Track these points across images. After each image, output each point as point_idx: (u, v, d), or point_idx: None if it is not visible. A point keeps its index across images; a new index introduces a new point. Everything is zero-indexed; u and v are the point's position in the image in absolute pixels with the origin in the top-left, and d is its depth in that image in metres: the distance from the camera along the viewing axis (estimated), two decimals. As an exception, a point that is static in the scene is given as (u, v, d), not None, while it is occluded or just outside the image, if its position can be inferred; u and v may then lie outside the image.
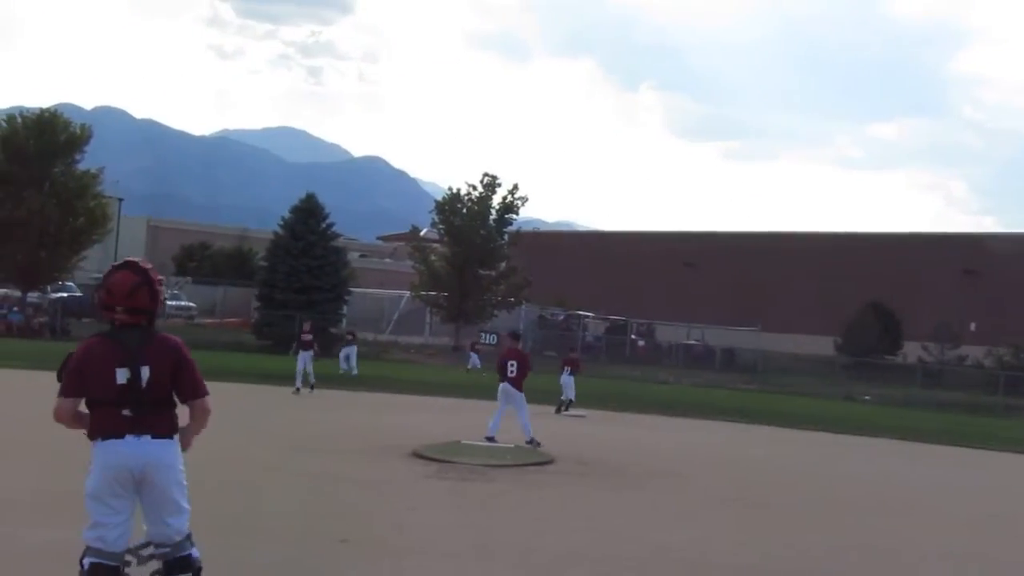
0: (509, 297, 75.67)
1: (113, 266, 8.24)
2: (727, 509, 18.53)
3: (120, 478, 7.81)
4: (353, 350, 50.74)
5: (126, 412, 7.76)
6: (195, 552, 8.06)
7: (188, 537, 8.02)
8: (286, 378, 40.60)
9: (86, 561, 7.91)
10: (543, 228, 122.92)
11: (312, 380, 37.85)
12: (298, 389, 37.58)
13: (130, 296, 7.89)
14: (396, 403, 36.75)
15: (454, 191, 75.80)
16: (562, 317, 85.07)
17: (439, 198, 77.35)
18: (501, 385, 25.49)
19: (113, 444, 7.80)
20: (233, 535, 13.24)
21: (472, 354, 61.89)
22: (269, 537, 13.21)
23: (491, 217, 75.42)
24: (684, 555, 14.15)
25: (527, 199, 76.50)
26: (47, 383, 30.96)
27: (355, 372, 48.69)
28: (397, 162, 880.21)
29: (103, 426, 7.85)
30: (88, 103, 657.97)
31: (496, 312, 76.21)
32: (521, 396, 25.48)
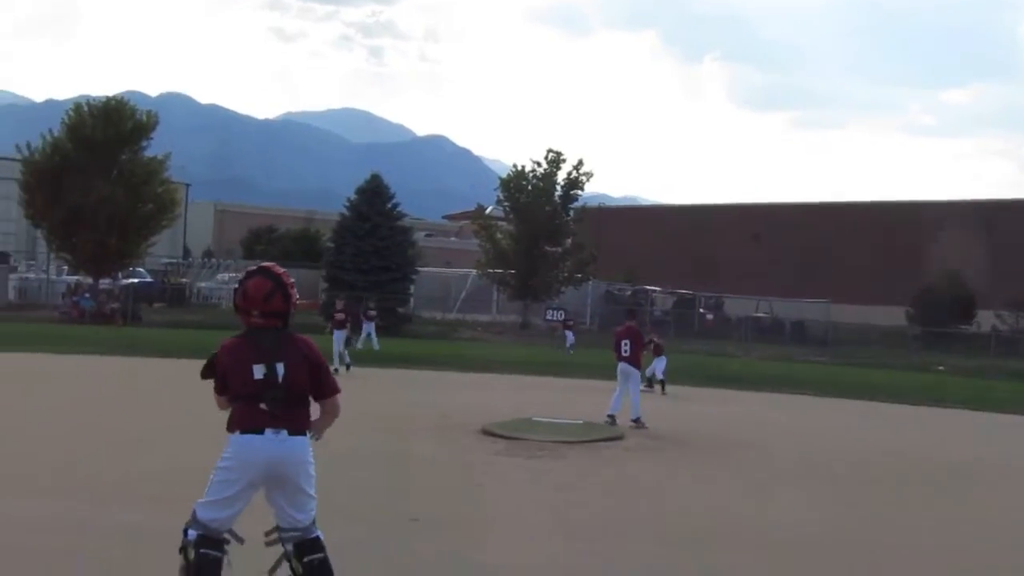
0: (576, 273, 75.55)
1: (248, 271, 8.59)
2: (797, 482, 18.45)
3: (252, 472, 8.16)
4: (372, 326, 50.65)
5: (263, 407, 8.06)
6: (321, 535, 8.40)
7: (314, 522, 8.38)
8: (357, 358, 40.80)
9: (191, 532, 8.24)
10: (608, 204, 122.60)
11: (347, 360, 37.22)
12: (336, 370, 37.10)
13: (265, 301, 8.28)
14: (464, 381, 36.79)
15: (518, 168, 75.72)
16: (629, 292, 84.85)
17: (503, 175, 77.27)
18: (619, 364, 25.46)
19: (252, 439, 8.12)
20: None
21: (568, 333, 60.75)
22: (340, 516, 13.25)
23: (556, 193, 75.32)
24: (753, 528, 14.12)
25: (592, 175, 76.42)
26: (121, 368, 31.32)
27: (359, 346, 48.80)
28: (461, 140, 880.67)
29: (243, 420, 8.17)
30: (153, 90, 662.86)
31: (563, 288, 76.14)
32: (637, 374, 25.49)
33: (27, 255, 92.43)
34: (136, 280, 75.55)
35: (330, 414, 8.58)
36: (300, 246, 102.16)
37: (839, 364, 58.23)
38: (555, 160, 75.06)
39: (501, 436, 21.16)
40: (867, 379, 45.82)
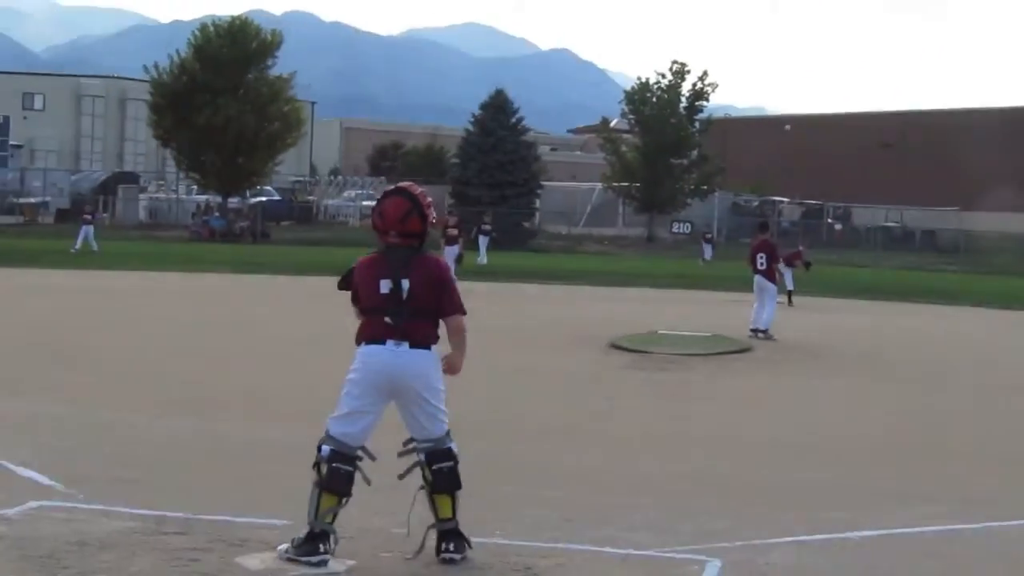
0: (701, 185, 75.10)
1: (385, 191, 8.80)
2: (928, 394, 18.25)
3: (377, 382, 8.39)
4: (486, 240, 50.74)
5: (388, 320, 8.28)
6: (455, 446, 8.55)
7: (447, 434, 8.53)
8: (478, 273, 40.96)
9: (325, 448, 8.43)
10: (734, 114, 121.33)
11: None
12: None
13: (402, 221, 8.40)
14: (590, 295, 36.81)
15: (643, 80, 75.22)
16: (756, 203, 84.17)
17: (628, 88, 76.77)
18: (755, 278, 25.27)
19: (375, 349, 8.35)
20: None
21: (705, 245, 60.53)
22: (471, 431, 13.33)
23: (681, 105, 74.75)
24: (884, 439, 14.00)
25: (717, 85, 75.82)
26: (251, 285, 31.75)
27: (484, 261, 48.88)
28: (585, 53, 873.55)
29: (368, 332, 8.42)
30: (277, 8, 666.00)
31: (689, 201, 75.75)
32: (773, 288, 25.27)
33: (156, 175, 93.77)
34: (264, 199, 76.29)
35: (455, 334, 8.72)
36: (425, 162, 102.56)
37: (971, 272, 57.35)
38: (679, 71, 74.50)
39: (628, 349, 21.14)
40: (1001, 288, 45.07)
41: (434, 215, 8.54)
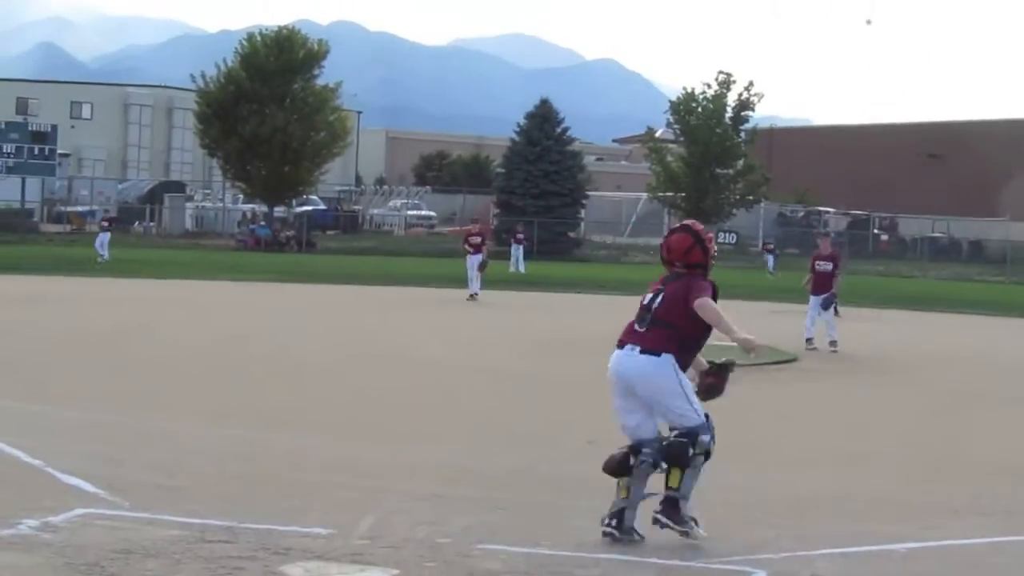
0: (747, 195, 74.86)
1: (671, 228, 10.14)
2: (976, 404, 18.12)
3: (616, 381, 9.44)
4: (520, 249, 50.80)
5: (636, 327, 9.41)
6: (705, 437, 9.36)
7: (702, 426, 9.39)
8: (520, 282, 41.02)
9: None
10: (780, 125, 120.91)
11: (473, 288, 35.19)
12: (471, 294, 35.25)
13: (686, 254, 9.55)
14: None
15: (688, 90, 75.05)
16: (802, 214, 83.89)
17: (674, 98, 76.62)
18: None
19: (616, 352, 9.45)
20: (480, 439, 13.46)
21: (768, 255, 59.24)
22: (515, 441, 13.36)
23: (727, 115, 74.52)
24: (930, 451, 13.92)
25: (763, 96, 75.46)
26: (297, 294, 31.83)
27: (522, 270, 48.92)
28: (630, 63, 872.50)
29: (620, 336, 9.54)
30: (324, 18, 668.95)
31: (734, 211, 75.54)
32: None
33: (203, 184, 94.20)
34: (310, 208, 76.59)
35: (706, 317, 9.31)
36: (470, 171, 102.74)
37: (1019, 283, 56.96)
38: (725, 82, 74.28)
39: (673, 359, 21.04)
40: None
41: (715, 249, 9.82)
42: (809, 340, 24.07)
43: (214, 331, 24.63)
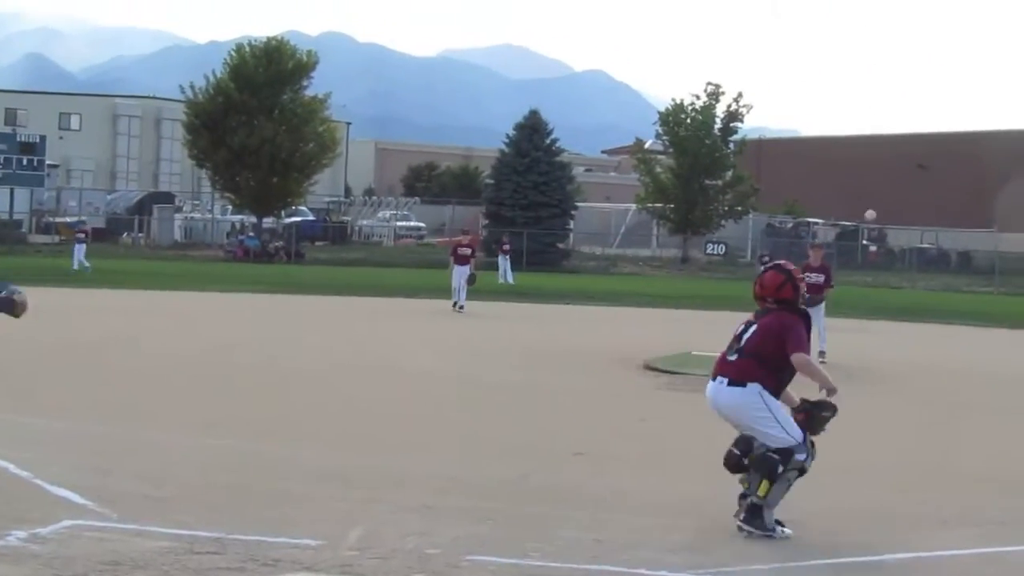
0: (736, 206, 74.93)
1: (765, 267, 10.95)
2: (965, 415, 18.15)
3: (714, 411, 10.36)
4: (507, 260, 50.87)
5: (729, 358, 10.25)
6: (799, 456, 9.94)
7: (798, 446, 9.98)
8: (510, 293, 41.04)
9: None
10: (768, 136, 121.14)
11: (459, 300, 34.65)
12: (458, 305, 34.62)
13: (777, 290, 10.32)
14: (624, 316, 36.79)
15: (677, 102, 75.14)
16: (791, 224, 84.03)
17: (662, 109, 76.72)
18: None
19: (709, 383, 10.36)
20: (469, 449, 13.45)
21: (761, 268, 58.69)
22: (505, 452, 13.35)
23: (716, 126, 74.61)
24: (921, 462, 13.93)
25: (751, 107, 75.54)
26: (287, 305, 31.71)
27: (511, 280, 48.94)
28: (619, 74, 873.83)
29: (714, 368, 10.47)
30: (313, 30, 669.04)
31: (723, 222, 75.59)
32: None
33: (192, 195, 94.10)
34: (299, 219, 76.59)
35: (802, 370, 10.08)
36: (459, 182, 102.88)
37: (1007, 295, 57.07)
38: (714, 93, 74.39)
39: (662, 370, 21.09)
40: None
41: (805, 287, 10.65)
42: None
43: (202, 341, 24.61)
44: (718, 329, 29.71)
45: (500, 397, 18.16)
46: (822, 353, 23.82)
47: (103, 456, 12.17)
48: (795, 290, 10.32)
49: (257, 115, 65.39)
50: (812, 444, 10.10)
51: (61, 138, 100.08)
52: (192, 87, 67.78)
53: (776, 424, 9.93)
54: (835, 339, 29.49)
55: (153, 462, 12.00)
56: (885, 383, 21.64)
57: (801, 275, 10.59)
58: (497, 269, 50.79)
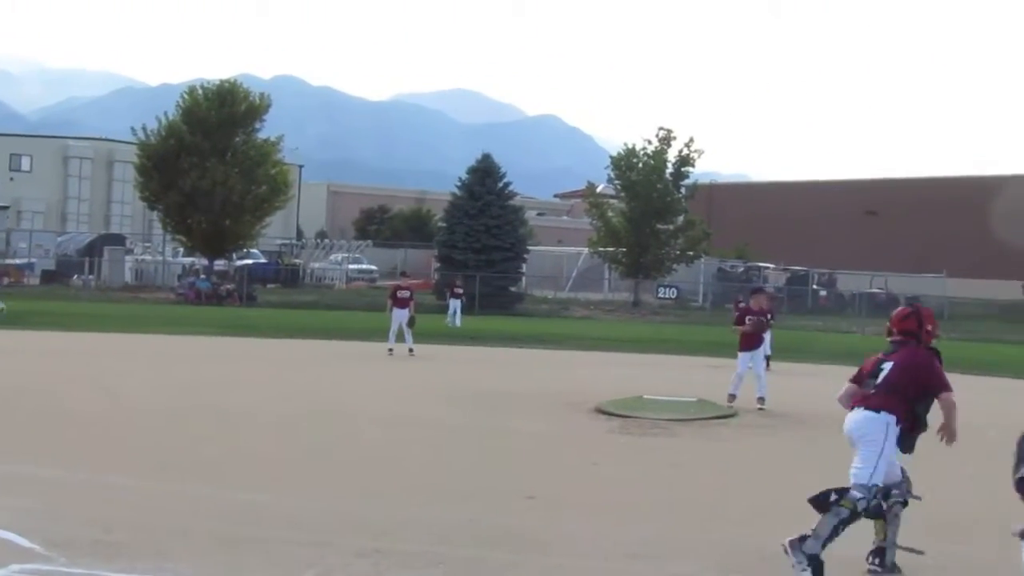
0: (688, 251, 75.14)
1: (900, 309, 11.77)
2: (915, 460, 18.21)
3: (847, 439, 10.98)
4: (458, 304, 50.84)
5: (865, 390, 10.95)
6: (856, 494, 10.49)
7: (862, 487, 10.54)
8: (462, 337, 41.02)
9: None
10: (719, 181, 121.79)
11: (409, 343, 34.55)
12: (390, 350, 34.55)
13: (901, 321, 11.29)
14: (576, 359, 36.81)
15: (629, 146, 75.41)
16: (742, 269, 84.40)
17: (614, 154, 76.97)
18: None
19: (848, 413, 11.01)
20: (420, 493, 13.42)
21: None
22: (455, 496, 13.34)
23: (667, 171, 74.85)
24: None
25: (703, 152, 75.84)
26: (239, 348, 31.54)
27: (458, 324, 48.83)
28: (571, 119, 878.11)
29: (852, 403, 11.11)
30: (266, 72, 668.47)
31: (675, 266, 75.81)
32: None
33: (143, 237, 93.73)
34: (251, 261, 76.35)
35: (945, 408, 10.79)
36: (412, 225, 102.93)
37: (956, 340, 57.48)
38: (665, 138, 74.61)
39: (614, 414, 21.12)
40: (985, 354, 45.14)
41: (935, 331, 11.58)
42: (732, 396, 23.83)
43: (153, 384, 24.46)
44: (669, 372, 29.91)
45: (451, 440, 18.14)
46: (761, 399, 23.70)
47: (51, 499, 12.08)
48: (919, 325, 11.25)
49: (209, 157, 65.18)
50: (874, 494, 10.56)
51: (12, 179, 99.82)
52: (144, 129, 67.47)
53: (874, 459, 10.62)
54: (786, 383, 29.71)
55: (103, 506, 11.93)
56: (836, 427, 21.66)
57: (931, 313, 11.61)
58: (447, 311, 50.81)
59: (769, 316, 25.68)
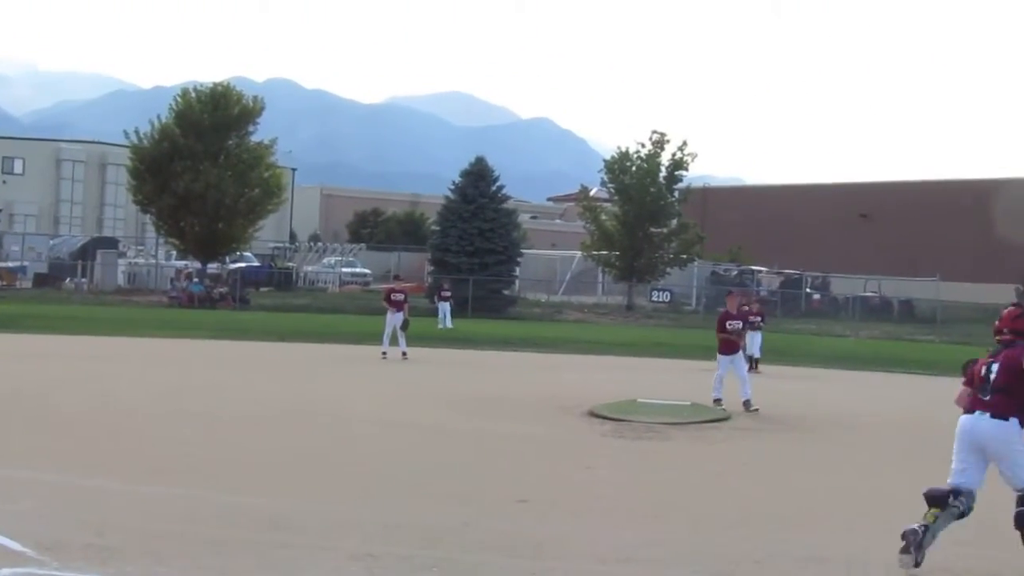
0: (681, 254, 75.13)
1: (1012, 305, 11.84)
2: (906, 462, 18.23)
3: (965, 441, 10.96)
4: (447, 306, 50.92)
5: (980, 396, 10.92)
6: None
7: None
8: (455, 340, 41.02)
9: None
10: (713, 184, 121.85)
11: (400, 347, 34.49)
12: (384, 354, 34.43)
13: (1012, 321, 11.28)
14: (569, 363, 36.80)
15: (623, 150, 75.38)
16: (735, 272, 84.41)
17: (608, 157, 76.96)
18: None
19: (964, 418, 11.00)
20: (412, 497, 13.40)
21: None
22: (448, 499, 13.32)
23: (661, 174, 74.81)
24: (864, 511, 13.97)
25: (696, 155, 75.74)
26: (231, 351, 31.52)
27: (450, 325, 48.86)
28: (565, 122, 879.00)
29: (966, 404, 11.10)
30: (259, 75, 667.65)
31: (668, 270, 75.80)
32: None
33: (136, 240, 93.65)
34: (244, 264, 76.32)
35: None
36: (405, 229, 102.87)
37: (949, 343, 57.54)
38: (659, 141, 74.53)
39: (608, 418, 21.12)
40: (976, 357, 45.12)
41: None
42: (718, 400, 23.78)
43: (145, 387, 24.43)
44: (663, 376, 29.89)
45: (445, 443, 18.13)
46: (746, 403, 23.64)
47: (44, 503, 12.06)
48: None
49: (202, 160, 65.20)
50: None
51: (4, 182, 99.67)
52: (137, 132, 67.46)
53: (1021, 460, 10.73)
54: (779, 387, 29.77)
55: (95, 509, 11.90)
56: (828, 431, 21.76)
57: None
58: (437, 315, 50.94)
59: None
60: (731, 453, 18.41)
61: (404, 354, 34.30)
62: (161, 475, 14.08)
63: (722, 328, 24.68)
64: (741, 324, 25.18)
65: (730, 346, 24.45)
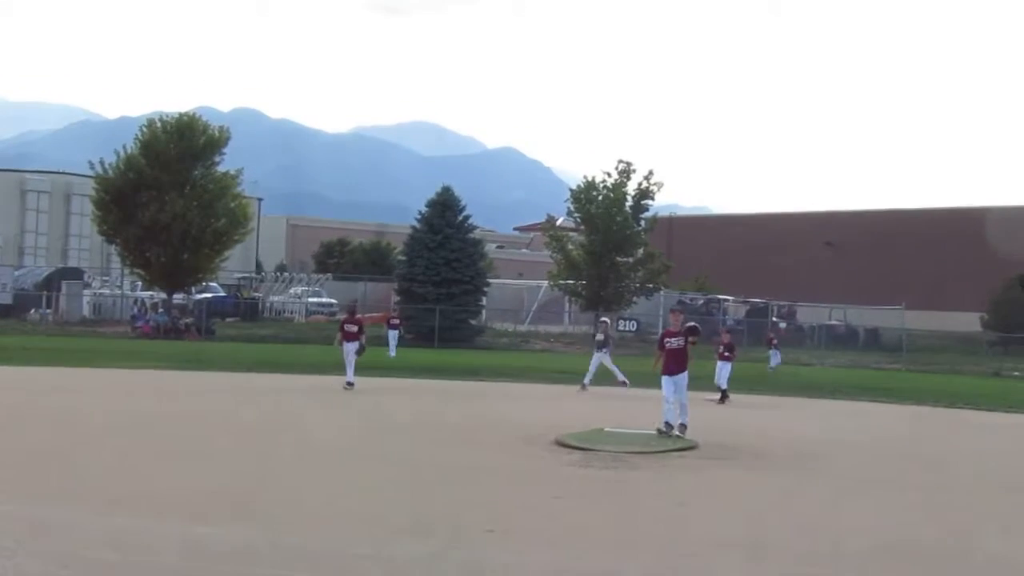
0: (648, 283, 75.23)
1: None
2: (872, 491, 18.26)
3: None
4: (395, 334, 50.93)
5: None
6: None
7: None
8: (430, 370, 40.93)
9: None
10: (679, 213, 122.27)
11: (348, 377, 33.73)
12: (347, 382, 33.80)
13: None
14: (535, 392, 36.76)
15: (589, 179, 75.50)
16: (702, 301, 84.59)
17: (574, 186, 77.08)
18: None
19: None
20: (377, 528, 13.34)
21: (774, 351, 53.23)
22: (416, 529, 13.27)
23: (627, 204, 74.91)
24: (830, 538, 13.97)
25: (662, 184, 75.90)
26: (195, 381, 31.48)
27: (392, 354, 48.81)
28: (531, 152, 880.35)
29: None
30: (225, 105, 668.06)
31: (635, 299, 75.90)
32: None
33: (101, 271, 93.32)
34: (209, 295, 76.14)
35: None
36: (372, 258, 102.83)
37: (914, 371, 57.78)
38: (625, 170, 74.67)
39: (575, 447, 21.06)
40: (942, 385, 45.38)
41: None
42: (667, 424, 23.30)
43: (107, 418, 24.29)
44: (629, 405, 29.87)
45: (411, 473, 18.06)
46: (683, 426, 23.30)
47: (5, 535, 11.95)
48: None
49: (168, 191, 65.09)
50: None
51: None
52: (102, 163, 67.33)
53: None
54: (746, 416, 29.79)
55: (58, 541, 11.81)
56: (795, 459, 21.76)
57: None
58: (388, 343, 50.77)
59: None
60: (697, 482, 18.39)
61: (349, 383, 33.52)
62: (123, 505, 13.98)
63: (661, 345, 24.21)
64: (683, 341, 24.15)
65: (675, 365, 23.70)
